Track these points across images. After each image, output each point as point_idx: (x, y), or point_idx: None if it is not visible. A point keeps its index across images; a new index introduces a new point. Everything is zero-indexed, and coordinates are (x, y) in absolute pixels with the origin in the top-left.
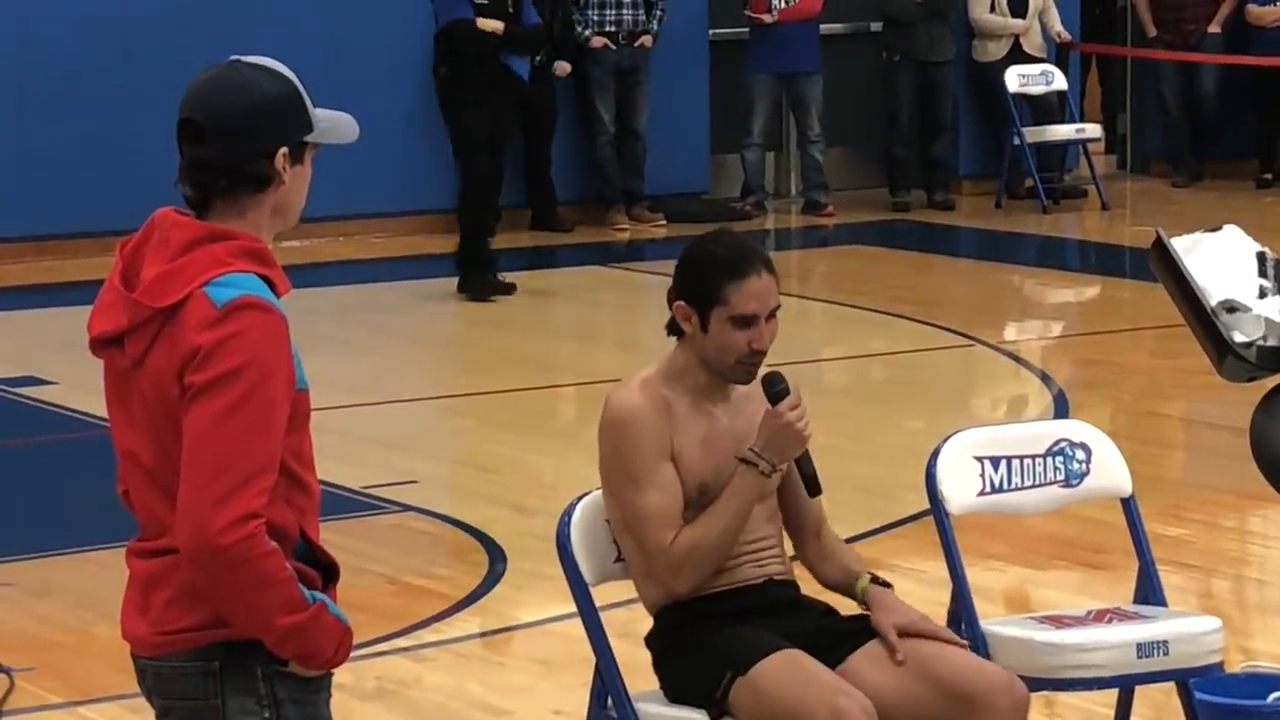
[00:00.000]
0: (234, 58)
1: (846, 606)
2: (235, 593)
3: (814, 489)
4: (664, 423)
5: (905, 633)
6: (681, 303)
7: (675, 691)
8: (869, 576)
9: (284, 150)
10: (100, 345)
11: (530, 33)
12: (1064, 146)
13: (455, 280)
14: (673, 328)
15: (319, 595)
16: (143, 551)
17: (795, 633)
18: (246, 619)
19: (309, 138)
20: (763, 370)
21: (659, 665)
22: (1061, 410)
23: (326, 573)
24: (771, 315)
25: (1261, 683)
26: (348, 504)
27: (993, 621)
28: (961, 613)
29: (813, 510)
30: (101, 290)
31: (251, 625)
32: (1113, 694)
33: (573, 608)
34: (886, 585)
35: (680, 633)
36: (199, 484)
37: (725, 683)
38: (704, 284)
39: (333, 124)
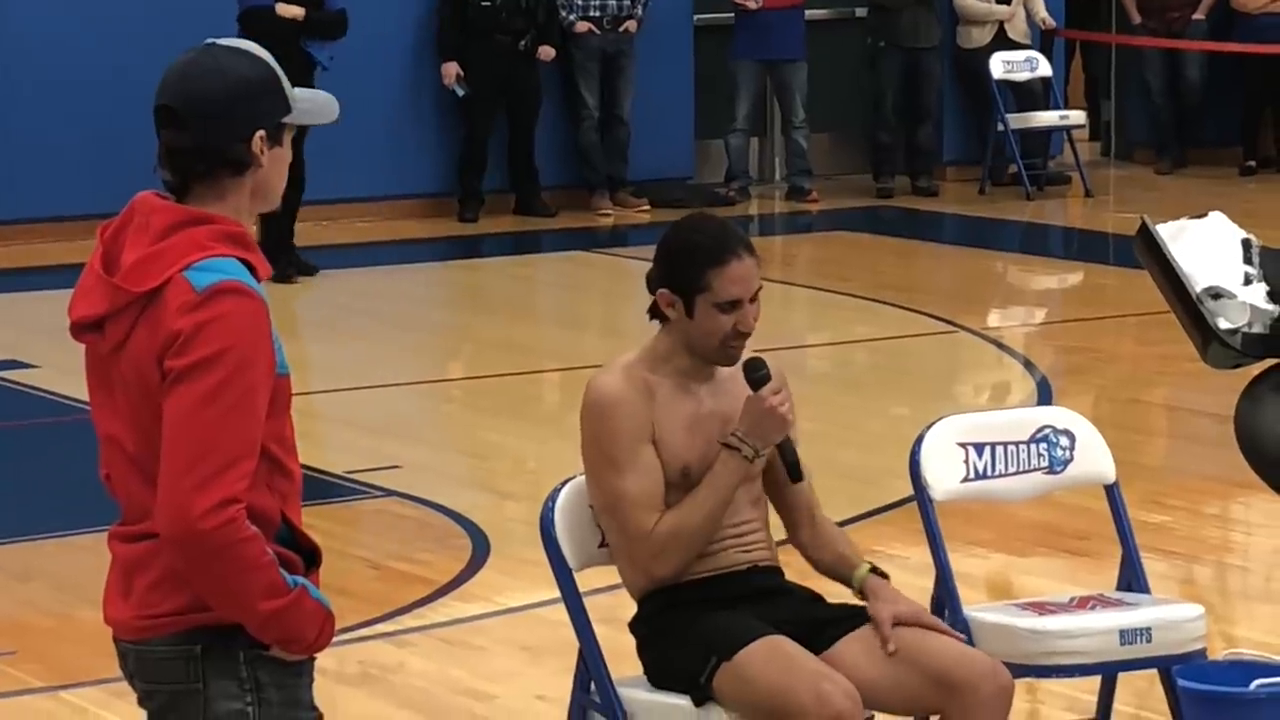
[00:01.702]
0: (209, 40)
1: (833, 593)
2: (216, 578)
3: (796, 475)
4: (646, 406)
5: (901, 623)
6: (665, 290)
7: (659, 677)
8: (868, 566)
9: (261, 133)
10: (80, 330)
11: (332, 18)
12: (1048, 133)
13: (438, 265)
14: (655, 312)
15: (300, 580)
16: (125, 536)
17: (780, 619)
18: (228, 604)
19: (288, 119)
20: (745, 354)
21: (643, 650)
22: (1045, 397)
23: (308, 557)
24: (754, 296)
25: (1244, 670)
26: (331, 489)
27: (976, 608)
28: (945, 599)
29: (804, 494)
30: (82, 274)
31: (233, 610)
32: (1095, 681)
33: (556, 593)
34: (884, 576)
35: (664, 618)
36: (179, 469)
37: (709, 668)
38: (687, 272)
39: (312, 104)
